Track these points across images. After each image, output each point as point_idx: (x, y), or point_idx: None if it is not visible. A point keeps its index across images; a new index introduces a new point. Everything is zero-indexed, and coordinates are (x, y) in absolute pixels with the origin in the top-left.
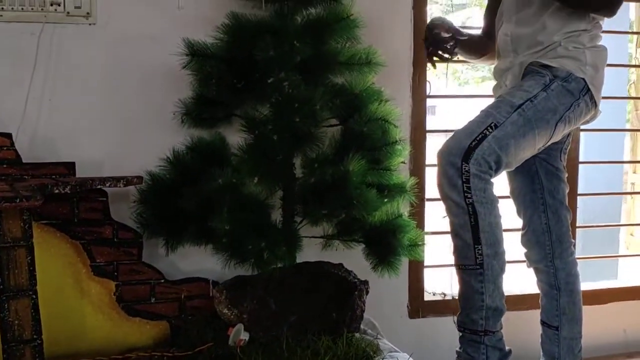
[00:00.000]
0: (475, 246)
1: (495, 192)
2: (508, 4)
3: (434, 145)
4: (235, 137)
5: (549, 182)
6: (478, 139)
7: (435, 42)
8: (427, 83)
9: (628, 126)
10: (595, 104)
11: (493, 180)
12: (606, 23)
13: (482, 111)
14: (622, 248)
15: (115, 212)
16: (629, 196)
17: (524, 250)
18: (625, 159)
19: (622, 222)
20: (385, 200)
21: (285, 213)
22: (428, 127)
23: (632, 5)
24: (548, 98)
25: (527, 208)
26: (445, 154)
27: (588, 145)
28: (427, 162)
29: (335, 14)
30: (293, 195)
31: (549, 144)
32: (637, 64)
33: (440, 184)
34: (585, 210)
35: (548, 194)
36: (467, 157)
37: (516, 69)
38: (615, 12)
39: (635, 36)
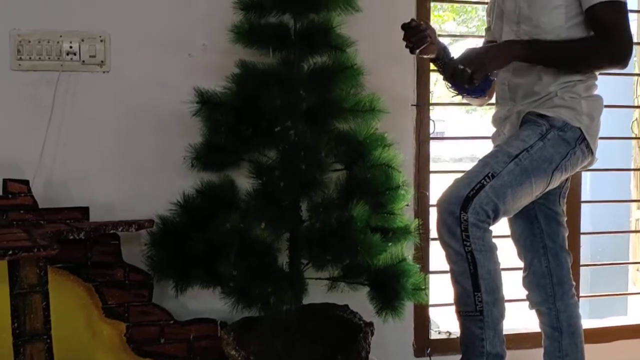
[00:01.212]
0: (475, 293)
1: (494, 238)
2: None
3: (438, 187)
4: (244, 180)
5: (548, 226)
6: (476, 188)
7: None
8: (431, 122)
9: (633, 163)
10: (591, 152)
11: (491, 228)
12: None
13: (480, 160)
14: (631, 283)
15: (126, 254)
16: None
17: (526, 292)
18: (632, 193)
19: (630, 256)
20: (390, 244)
21: (292, 256)
22: (436, 155)
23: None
24: (544, 147)
25: (527, 251)
26: (444, 203)
27: (595, 182)
28: (431, 203)
29: (340, 63)
30: (299, 239)
31: (546, 190)
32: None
33: (439, 232)
34: (593, 244)
35: (548, 237)
36: (466, 207)
37: (514, 118)
38: (626, 63)
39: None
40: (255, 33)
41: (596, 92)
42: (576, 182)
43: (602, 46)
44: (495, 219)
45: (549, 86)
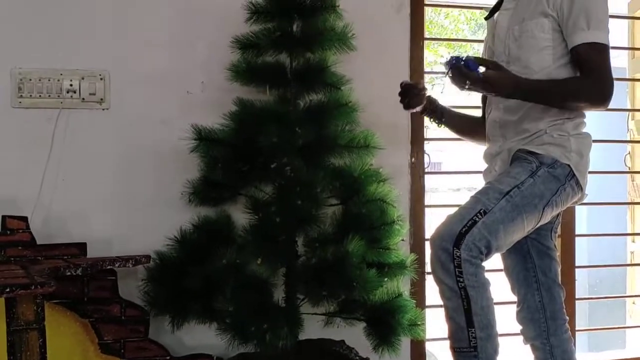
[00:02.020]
0: (469, 329)
1: (488, 273)
2: None
3: (434, 220)
4: (241, 215)
5: (540, 260)
6: (468, 225)
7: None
8: (426, 156)
9: (627, 196)
10: (581, 188)
11: (484, 264)
12: None
13: (472, 197)
14: (628, 316)
15: (123, 289)
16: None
17: (520, 327)
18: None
19: (627, 289)
20: (385, 279)
21: (288, 291)
22: (433, 186)
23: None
24: (535, 184)
25: (520, 286)
26: (437, 240)
27: (592, 215)
28: (426, 237)
29: (335, 100)
30: (295, 274)
31: (538, 225)
32: (631, 137)
33: (433, 269)
34: (591, 276)
35: (540, 272)
36: (458, 243)
37: (505, 155)
38: (606, 104)
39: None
40: (252, 72)
41: (585, 129)
42: (570, 216)
43: (582, 87)
44: (488, 254)
45: (539, 124)
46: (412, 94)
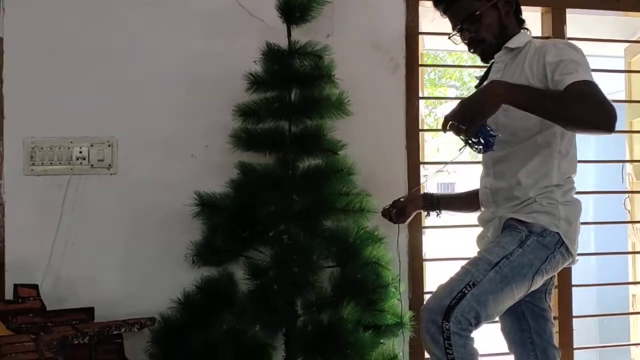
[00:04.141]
0: None
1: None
2: (486, 159)
3: (433, 275)
4: (242, 274)
5: (535, 322)
6: (457, 297)
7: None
8: (427, 214)
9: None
10: (571, 254)
11: (473, 335)
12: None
13: (462, 267)
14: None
15: (130, 349)
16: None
17: None
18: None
19: (630, 337)
20: (381, 340)
21: (287, 353)
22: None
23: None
24: (524, 254)
25: (517, 346)
26: (427, 313)
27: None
28: (426, 290)
29: (332, 166)
30: (295, 336)
31: (528, 292)
32: (630, 181)
33: (423, 340)
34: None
35: (535, 334)
36: (448, 316)
37: (496, 222)
38: (612, 126)
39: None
40: (252, 140)
41: (573, 196)
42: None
43: (593, 104)
44: (477, 325)
45: (529, 191)
46: (392, 213)
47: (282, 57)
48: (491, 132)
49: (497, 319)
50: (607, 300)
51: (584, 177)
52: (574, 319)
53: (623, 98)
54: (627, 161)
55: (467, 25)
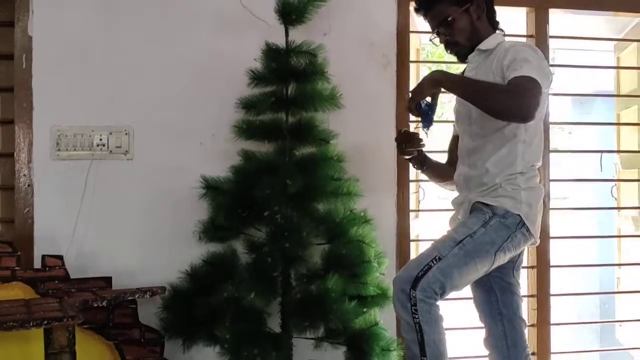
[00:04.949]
0: (422, 358)
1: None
2: (461, 150)
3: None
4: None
5: (502, 295)
6: (424, 269)
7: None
8: (421, 190)
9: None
10: (532, 235)
11: (439, 302)
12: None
13: (432, 244)
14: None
15: (143, 315)
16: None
17: (487, 352)
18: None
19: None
20: (365, 309)
21: (283, 320)
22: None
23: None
24: (486, 233)
25: (486, 317)
26: (397, 282)
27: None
28: None
29: (323, 153)
30: (287, 305)
31: (493, 267)
32: (617, 170)
33: (395, 306)
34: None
35: (502, 305)
36: (415, 285)
37: (466, 205)
38: (525, 118)
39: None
40: (252, 130)
41: (535, 183)
42: (544, 247)
43: (510, 95)
44: (443, 294)
45: (495, 178)
46: (409, 140)
47: (280, 55)
48: (427, 107)
49: (472, 293)
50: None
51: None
52: (551, 297)
53: (612, 90)
54: (614, 151)
55: (442, 29)
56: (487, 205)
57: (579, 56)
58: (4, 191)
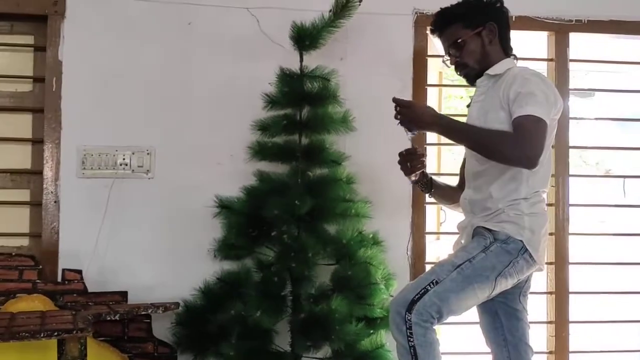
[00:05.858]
0: None
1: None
2: (467, 173)
3: None
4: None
5: (508, 321)
6: (421, 293)
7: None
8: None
9: None
10: (535, 261)
11: (436, 327)
12: None
13: (431, 267)
14: None
15: (157, 329)
16: None
17: None
18: None
19: None
20: (371, 331)
21: (293, 338)
22: None
23: None
24: (486, 258)
25: (491, 342)
26: (393, 305)
27: None
28: None
29: (333, 175)
30: (297, 324)
31: (495, 293)
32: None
33: (391, 329)
34: None
35: (508, 331)
36: (410, 308)
37: (469, 229)
38: (529, 164)
39: None
40: (266, 152)
41: (540, 209)
42: (563, 273)
43: (505, 139)
44: (440, 318)
45: (498, 203)
46: (412, 159)
47: (293, 80)
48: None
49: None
50: None
51: None
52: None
53: None
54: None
55: (452, 50)
56: (489, 230)
57: (619, 78)
58: (32, 207)
